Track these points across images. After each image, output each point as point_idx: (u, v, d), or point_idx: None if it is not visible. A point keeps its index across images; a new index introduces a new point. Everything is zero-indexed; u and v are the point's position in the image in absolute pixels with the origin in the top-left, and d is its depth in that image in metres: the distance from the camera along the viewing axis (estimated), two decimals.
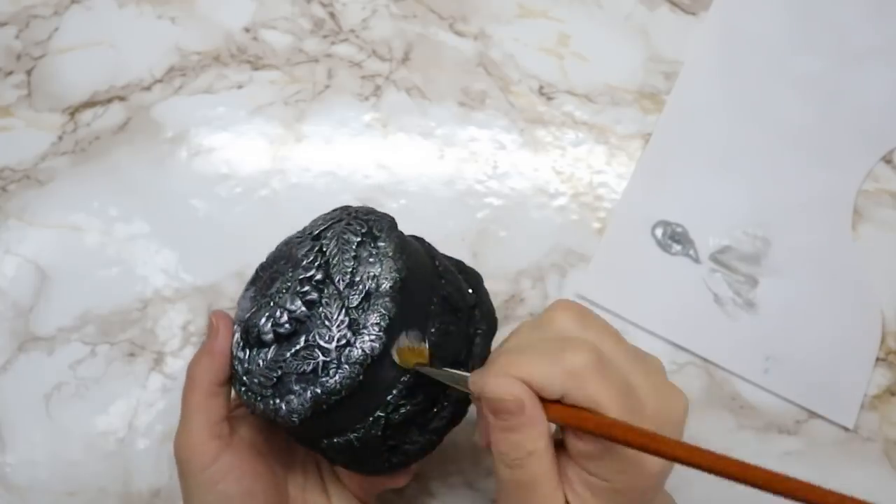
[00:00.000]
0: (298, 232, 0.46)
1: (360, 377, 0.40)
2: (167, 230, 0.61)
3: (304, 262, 0.42)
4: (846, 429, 0.57)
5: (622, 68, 0.63)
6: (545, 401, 0.37)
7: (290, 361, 0.41)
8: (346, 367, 0.40)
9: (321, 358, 0.40)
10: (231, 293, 0.59)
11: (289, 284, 0.42)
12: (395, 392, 0.41)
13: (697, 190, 0.61)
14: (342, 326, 0.40)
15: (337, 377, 0.40)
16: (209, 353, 0.45)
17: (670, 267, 0.59)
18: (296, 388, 0.41)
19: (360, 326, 0.40)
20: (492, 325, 0.47)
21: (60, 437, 0.57)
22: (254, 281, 0.46)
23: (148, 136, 0.62)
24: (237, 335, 0.44)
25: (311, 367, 0.40)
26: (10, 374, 0.58)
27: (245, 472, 0.45)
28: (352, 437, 0.42)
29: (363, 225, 0.43)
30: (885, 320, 0.59)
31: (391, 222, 0.45)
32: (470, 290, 0.47)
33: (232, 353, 0.44)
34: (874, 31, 0.65)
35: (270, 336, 0.42)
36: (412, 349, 0.42)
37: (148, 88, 0.63)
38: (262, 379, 0.42)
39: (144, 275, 0.60)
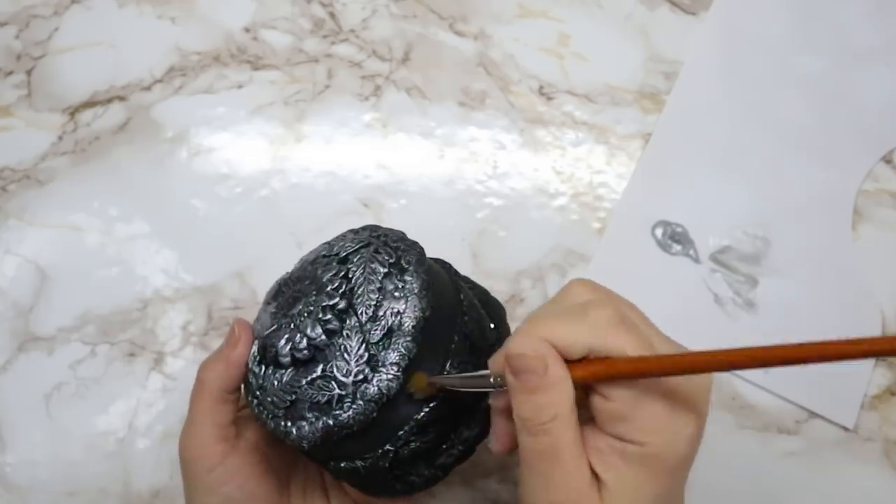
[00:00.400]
0: (324, 247, 0.46)
1: (374, 414, 0.40)
2: (167, 230, 0.61)
3: (329, 288, 0.42)
4: (846, 429, 0.57)
5: (622, 68, 0.63)
6: (570, 362, 0.37)
7: (306, 389, 0.41)
8: (361, 403, 0.39)
9: (336, 391, 0.40)
10: (231, 293, 0.59)
11: (311, 309, 0.42)
12: (406, 429, 0.41)
13: (697, 190, 0.61)
14: (361, 361, 0.40)
15: (351, 412, 0.40)
16: (225, 360, 0.44)
17: (670, 267, 0.59)
18: (308, 415, 0.40)
19: (379, 364, 0.40)
20: None
21: (60, 437, 0.57)
22: (275, 296, 0.45)
23: (148, 136, 0.62)
24: (255, 349, 0.44)
25: (325, 399, 0.40)
26: (10, 374, 0.58)
27: (249, 476, 0.45)
28: (359, 464, 0.42)
29: (391, 254, 0.43)
30: (885, 320, 0.59)
31: (420, 254, 0.44)
32: (492, 325, 0.47)
33: (247, 363, 0.44)
34: (875, 30, 0.65)
35: (288, 359, 0.41)
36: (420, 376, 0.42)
37: (148, 88, 0.63)
38: (275, 399, 0.42)
39: (144, 275, 0.60)
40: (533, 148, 0.62)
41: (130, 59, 0.63)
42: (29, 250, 0.60)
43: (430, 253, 0.59)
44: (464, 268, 0.59)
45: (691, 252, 0.59)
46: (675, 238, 0.59)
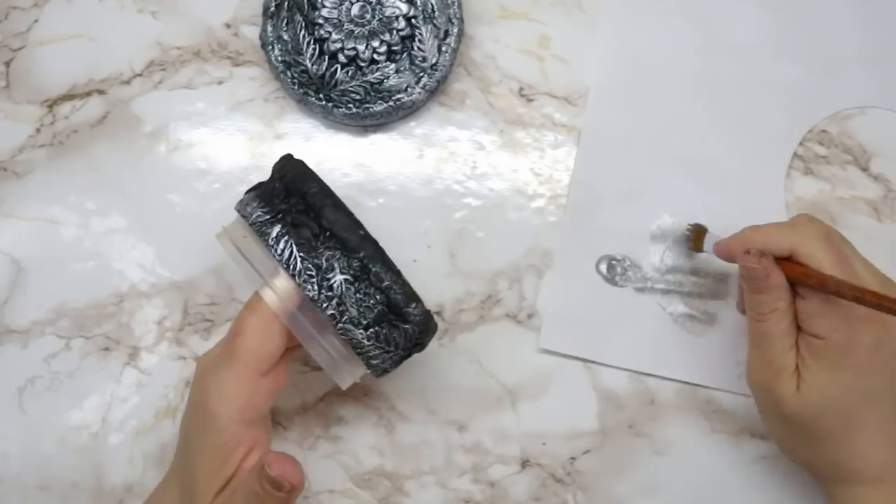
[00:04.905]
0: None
1: None
2: (144, 225, 0.60)
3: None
4: None
5: None
6: (778, 260, 0.47)
7: None
8: None
9: None
10: (207, 289, 0.59)
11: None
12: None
13: (628, 216, 0.60)
14: None
15: None
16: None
17: (623, 300, 0.59)
18: None
19: None
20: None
21: (33, 430, 0.57)
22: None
23: (127, 130, 0.62)
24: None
25: None
26: None
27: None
28: None
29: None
30: None
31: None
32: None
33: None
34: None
35: None
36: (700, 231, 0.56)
37: (127, 82, 0.62)
38: None
39: (121, 269, 0.60)
40: (512, 149, 0.62)
41: (110, 52, 0.63)
42: (4, 242, 0.60)
43: (407, 253, 0.59)
44: (441, 267, 0.60)
45: (640, 277, 0.59)
46: (620, 269, 0.59)
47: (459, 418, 0.58)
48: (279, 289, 0.46)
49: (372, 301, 0.45)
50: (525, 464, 0.57)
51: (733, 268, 0.59)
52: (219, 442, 0.46)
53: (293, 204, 0.47)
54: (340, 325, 0.45)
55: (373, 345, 0.46)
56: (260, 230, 0.46)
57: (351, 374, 0.48)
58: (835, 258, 0.46)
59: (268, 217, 0.47)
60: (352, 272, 0.45)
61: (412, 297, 0.46)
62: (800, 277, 0.47)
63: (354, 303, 0.45)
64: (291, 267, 0.45)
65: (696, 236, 0.56)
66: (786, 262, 0.48)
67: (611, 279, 0.59)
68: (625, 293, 0.59)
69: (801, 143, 0.62)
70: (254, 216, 0.47)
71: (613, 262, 0.59)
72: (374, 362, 0.47)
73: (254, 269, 0.47)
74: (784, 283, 0.47)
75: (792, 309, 0.48)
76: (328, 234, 0.46)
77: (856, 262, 0.48)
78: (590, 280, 0.59)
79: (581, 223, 0.60)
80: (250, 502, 0.44)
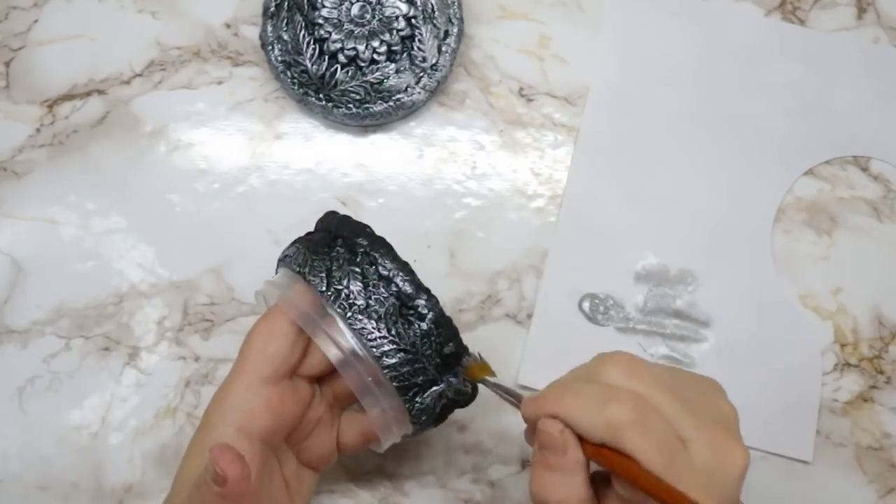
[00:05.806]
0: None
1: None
2: (144, 225, 0.60)
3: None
4: (806, 462, 0.57)
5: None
6: (589, 443, 0.38)
7: None
8: None
9: None
10: (207, 289, 0.59)
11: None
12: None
13: (616, 255, 0.60)
14: None
15: None
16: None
17: (604, 339, 0.58)
18: None
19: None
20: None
21: (33, 430, 0.57)
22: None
23: (126, 130, 0.62)
24: None
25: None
26: None
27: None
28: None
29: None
30: (859, 326, 0.59)
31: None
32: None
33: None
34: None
35: None
36: (480, 366, 0.47)
37: (127, 82, 0.63)
38: None
39: (120, 269, 0.60)
40: (512, 149, 0.62)
41: (110, 52, 0.63)
42: (4, 243, 0.60)
43: (406, 253, 0.59)
44: (440, 268, 0.60)
45: (622, 317, 0.59)
46: (603, 308, 0.59)
47: (459, 418, 0.58)
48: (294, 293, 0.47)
49: (384, 294, 0.45)
50: (525, 464, 0.57)
51: (717, 312, 0.59)
52: (203, 441, 0.45)
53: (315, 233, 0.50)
54: (350, 315, 0.45)
55: (385, 339, 0.45)
56: (284, 254, 0.49)
57: (397, 430, 0.48)
58: (651, 447, 0.37)
59: (294, 244, 0.50)
60: (361, 268, 0.45)
61: (422, 288, 0.46)
62: (611, 467, 0.38)
63: (364, 296, 0.45)
64: (300, 266, 0.46)
65: (472, 370, 0.48)
66: (600, 448, 0.38)
67: (593, 318, 0.59)
68: (606, 332, 0.59)
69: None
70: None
71: (596, 300, 0.59)
72: (390, 361, 0.45)
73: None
74: (582, 469, 0.39)
75: (588, 497, 0.39)
76: (339, 239, 0.47)
77: (684, 430, 0.38)
78: (572, 318, 0.59)
79: (567, 259, 0.60)
80: (192, 496, 0.42)
